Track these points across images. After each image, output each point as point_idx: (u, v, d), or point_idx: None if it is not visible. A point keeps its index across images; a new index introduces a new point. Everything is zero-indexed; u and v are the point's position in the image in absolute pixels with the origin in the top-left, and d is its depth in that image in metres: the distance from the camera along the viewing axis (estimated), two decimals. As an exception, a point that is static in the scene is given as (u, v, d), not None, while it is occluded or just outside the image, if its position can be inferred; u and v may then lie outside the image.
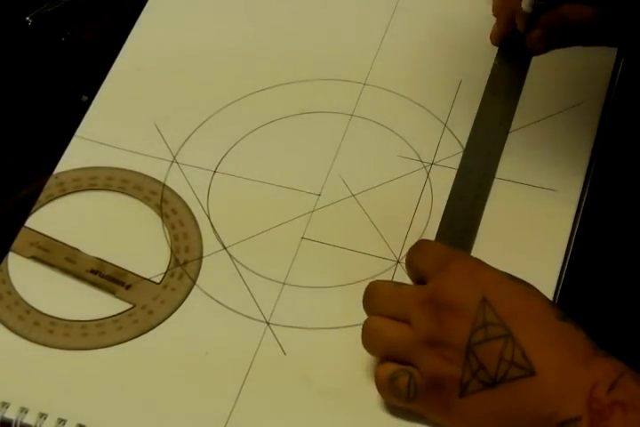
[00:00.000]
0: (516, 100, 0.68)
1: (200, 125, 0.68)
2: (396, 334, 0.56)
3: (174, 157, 0.67)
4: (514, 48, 0.67)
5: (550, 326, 0.53)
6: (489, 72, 0.69)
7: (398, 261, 0.62)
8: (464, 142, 0.67)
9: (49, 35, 0.73)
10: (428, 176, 0.65)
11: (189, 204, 0.65)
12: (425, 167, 0.66)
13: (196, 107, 0.69)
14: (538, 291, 0.55)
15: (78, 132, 0.68)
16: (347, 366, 0.59)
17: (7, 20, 0.74)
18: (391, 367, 0.56)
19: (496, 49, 0.70)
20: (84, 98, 0.70)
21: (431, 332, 0.54)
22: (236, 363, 0.59)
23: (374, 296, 0.58)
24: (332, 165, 0.66)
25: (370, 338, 0.57)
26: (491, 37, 0.68)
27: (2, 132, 0.69)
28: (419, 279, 0.58)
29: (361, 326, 0.58)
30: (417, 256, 0.58)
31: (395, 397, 0.56)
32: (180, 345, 0.60)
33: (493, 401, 0.53)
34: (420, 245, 0.59)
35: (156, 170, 0.66)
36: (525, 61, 0.68)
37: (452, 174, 0.65)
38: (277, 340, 0.60)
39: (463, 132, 0.67)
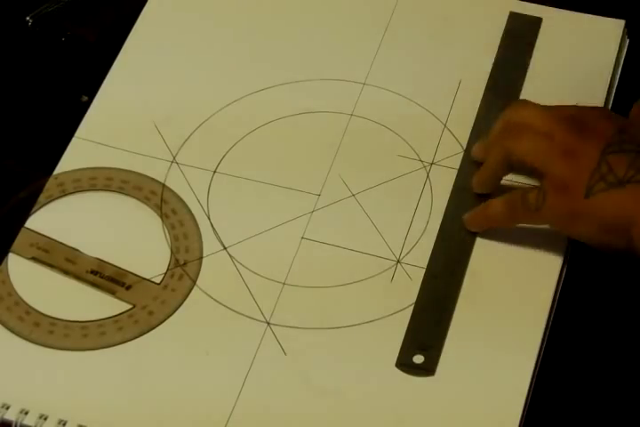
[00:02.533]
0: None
1: (200, 125, 0.68)
2: (535, 142, 0.58)
3: (174, 158, 0.67)
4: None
5: None
6: (489, 72, 0.69)
7: (398, 261, 0.62)
8: (464, 142, 0.67)
9: (49, 35, 0.73)
10: (427, 176, 0.65)
11: (189, 204, 0.65)
12: (425, 167, 0.66)
13: (196, 107, 0.69)
14: None
15: (78, 132, 0.68)
16: (347, 366, 0.59)
17: (7, 20, 0.74)
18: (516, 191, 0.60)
19: (495, 48, 0.70)
20: (84, 98, 0.70)
21: (569, 141, 0.57)
22: (236, 363, 0.59)
23: (523, 108, 0.60)
24: (331, 164, 0.66)
25: (514, 136, 0.59)
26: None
27: (2, 132, 0.69)
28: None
29: (362, 325, 0.58)
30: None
31: (524, 210, 0.59)
32: (180, 345, 0.60)
33: (619, 199, 0.55)
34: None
35: (155, 170, 0.66)
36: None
37: (452, 174, 0.65)
38: (277, 340, 0.60)
39: (463, 132, 0.67)
